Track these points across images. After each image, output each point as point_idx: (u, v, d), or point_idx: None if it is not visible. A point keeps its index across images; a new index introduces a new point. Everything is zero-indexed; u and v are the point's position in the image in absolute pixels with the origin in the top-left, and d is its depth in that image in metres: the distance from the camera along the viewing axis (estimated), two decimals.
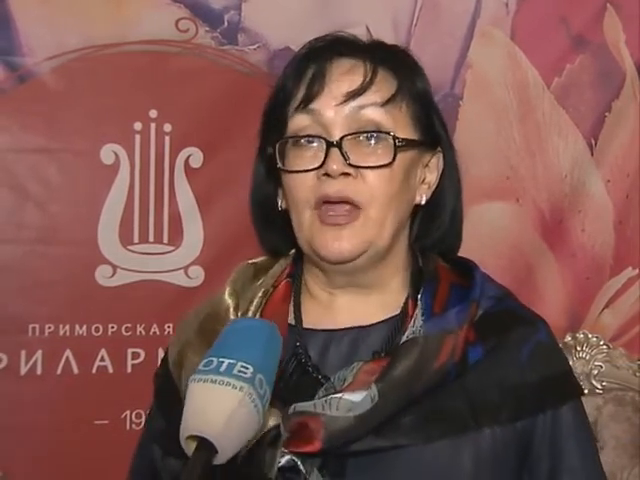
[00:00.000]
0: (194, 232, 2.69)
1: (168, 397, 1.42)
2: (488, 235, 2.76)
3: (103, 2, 2.66)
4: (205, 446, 1.10)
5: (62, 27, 2.62)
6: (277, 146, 1.35)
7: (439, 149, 1.41)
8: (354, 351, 1.35)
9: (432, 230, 1.42)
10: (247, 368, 1.14)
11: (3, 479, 2.54)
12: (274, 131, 1.38)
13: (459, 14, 2.87)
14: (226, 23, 2.73)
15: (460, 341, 1.30)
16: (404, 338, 1.32)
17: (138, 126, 2.66)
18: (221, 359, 1.16)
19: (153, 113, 2.66)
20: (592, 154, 2.91)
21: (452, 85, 2.86)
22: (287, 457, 1.26)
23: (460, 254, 1.47)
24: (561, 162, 2.90)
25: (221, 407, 1.12)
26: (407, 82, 1.37)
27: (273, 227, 1.44)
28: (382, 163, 1.31)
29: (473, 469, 1.28)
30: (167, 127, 2.67)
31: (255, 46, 2.74)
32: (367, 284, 1.38)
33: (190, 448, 1.12)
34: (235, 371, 1.14)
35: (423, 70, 1.43)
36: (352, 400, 1.26)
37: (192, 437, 1.12)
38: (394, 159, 1.31)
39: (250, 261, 1.50)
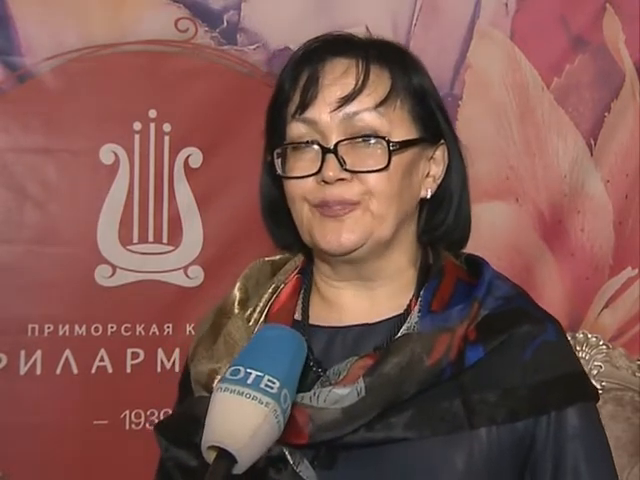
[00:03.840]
0: (193, 232, 2.69)
1: (183, 390, 1.47)
2: (487, 235, 2.76)
3: (102, 2, 2.66)
4: (226, 457, 1.12)
5: (61, 27, 2.62)
6: (275, 153, 1.37)
7: (442, 142, 1.40)
8: (358, 348, 1.36)
9: (438, 223, 1.41)
10: (274, 383, 1.15)
11: (3, 479, 2.54)
12: (275, 135, 1.39)
13: (459, 14, 2.87)
14: (225, 23, 2.73)
15: (457, 340, 1.30)
16: (399, 335, 1.33)
17: (137, 126, 2.66)
18: (249, 370, 1.16)
19: (152, 113, 2.66)
20: (591, 154, 2.91)
21: (452, 85, 2.86)
22: (277, 448, 1.26)
23: None
24: (560, 162, 2.90)
25: (246, 421, 1.13)
26: (402, 79, 1.37)
27: (283, 224, 1.44)
28: (377, 168, 1.32)
29: (464, 468, 1.28)
30: (166, 127, 2.67)
31: (254, 46, 2.74)
32: (372, 276, 1.38)
33: (210, 456, 1.13)
34: (262, 385, 1.15)
35: (420, 65, 1.42)
36: (339, 393, 1.27)
37: (214, 446, 1.13)
38: (389, 163, 1.32)
39: (267, 258, 1.51)
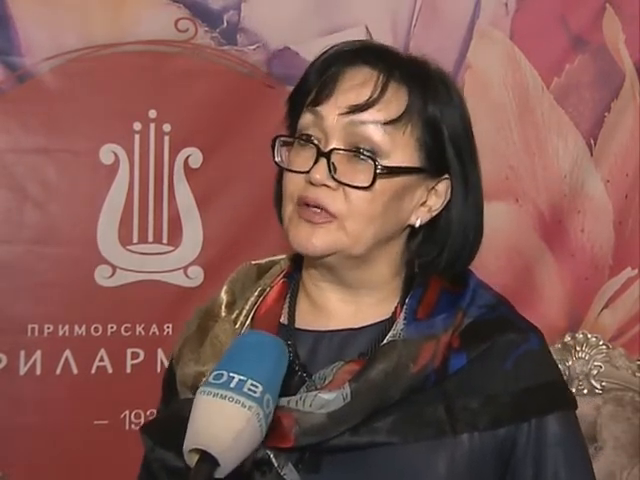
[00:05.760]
0: (193, 232, 2.69)
1: (168, 391, 1.48)
2: (487, 235, 2.72)
3: (102, 2, 2.66)
4: (209, 460, 1.12)
5: (61, 27, 2.62)
6: (279, 140, 1.38)
7: (447, 176, 1.38)
8: (342, 352, 1.37)
9: (429, 252, 1.40)
10: (257, 387, 1.16)
11: (3, 479, 2.54)
12: (290, 123, 1.41)
13: (458, 14, 2.87)
14: (225, 23, 2.73)
15: (441, 347, 1.32)
16: (385, 341, 1.34)
17: (137, 126, 2.66)
18: (232, 374, 1.17)
19: (152, 113, 2.66)
20: (591, 154, 2.91)
21: None
22: (262, 451, 1.27)
23: None
24: (560, 162, 2.90)
25: (230, 425, 1.14)
26: (419, 104, 1.35)
27: None
28: (361, 185, 1.31)
29: (447, 473, 1.29)
30: (166, 127, 2.67)
31: (254, 46, 2.74)
32: (353, 284, 1.39)
33: (192, 459, 1.14)
34: (245, 389, 1.15)
35: (447, 94, 1.39)
36: (325, 398, 1.28)
37: (196, 449, 1.13)
38: (372, 184, 1.31)
39: (253, 262, 1.51)
